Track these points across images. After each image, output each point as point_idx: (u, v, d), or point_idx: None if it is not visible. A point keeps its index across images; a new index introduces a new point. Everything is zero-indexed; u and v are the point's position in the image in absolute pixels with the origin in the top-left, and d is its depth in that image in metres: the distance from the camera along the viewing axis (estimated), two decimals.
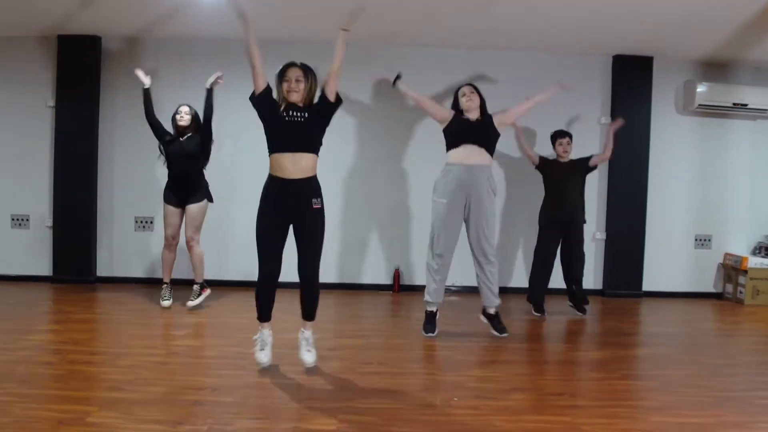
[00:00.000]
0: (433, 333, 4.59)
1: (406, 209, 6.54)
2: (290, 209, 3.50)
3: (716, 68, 6.68)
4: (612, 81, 6.64)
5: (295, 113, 3.49)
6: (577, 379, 3.73)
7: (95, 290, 6.11)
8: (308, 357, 3.68)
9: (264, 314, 3.71)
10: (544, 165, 5.68)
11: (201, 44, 6.46)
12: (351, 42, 6.37)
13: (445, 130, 4.62)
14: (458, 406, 3.16)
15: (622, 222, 6.61)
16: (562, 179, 5.56)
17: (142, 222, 6.51)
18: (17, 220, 6.54)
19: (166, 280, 5.42)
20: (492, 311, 4.68)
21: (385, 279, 6.58)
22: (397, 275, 6.51)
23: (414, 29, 6.01)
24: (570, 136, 5.62)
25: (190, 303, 5.29)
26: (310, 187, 3.53)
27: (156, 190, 5.99)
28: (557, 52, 6.54)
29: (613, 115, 6.55)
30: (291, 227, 3.58)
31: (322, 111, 3.60)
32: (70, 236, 6.43)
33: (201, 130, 5.27)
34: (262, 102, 3.56)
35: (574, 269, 5.60)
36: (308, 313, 3.72)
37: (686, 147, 6.76)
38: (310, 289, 3.64)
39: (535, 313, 5.50)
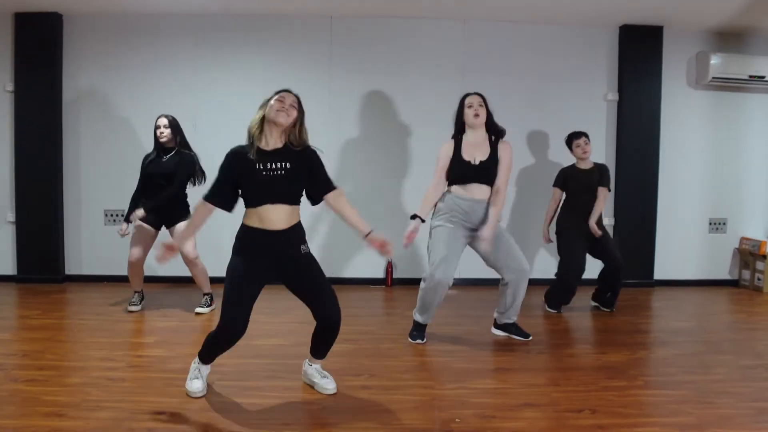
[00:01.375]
0: (422, 340, 4.14)
1: (399, 200, 6.07)
2: (275, 259, 2.94)
3: (731, 38, 6.25)
4: (619, 54, 6.20)
5: (273, 165, 2.88)
6: (596, 389, 3.24)
7: (63, 291, 5.63)
8: (328, 384, 3.14)
9: (210, 359, 3.10)
10: (565, 181, 5.13)
11: (170, 20, 5.96)
12: (344, 18, 6.01)
13: (449, 166, 4.09)
14: (460, 429, 2.69)
15: (631, 205, 6.17)
16: (584, 192, 5.00)
17: (112, 215, 6.02)
18: None
19: (137, 289, 4.95)
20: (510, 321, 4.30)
21: (378, 273, 6.12)
22: (389, 269, 6.05)
23: (410, 1, 5.56)
24: (586, 135, 5.04)
25: (199, 309, 4.85)
26: (296, 236, 2.96)
27: (127, 181, 5.53)
28: (560, 23, 6.09)
29: (621, 91, 6.11)
30: (276, 280, 2.99)
31: (308, 173, 3.02)
32: (34, 232, 5.97)
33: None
34: (233, 176, 2.95)
35: (613, 281, 5.07)
36: (322, 352, 3.17)
37: (699, 123, 6.33)
38: (332, 330, 3.00)
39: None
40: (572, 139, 5.08)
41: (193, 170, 4.75)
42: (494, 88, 5.94)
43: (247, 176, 2.88)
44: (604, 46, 6.18)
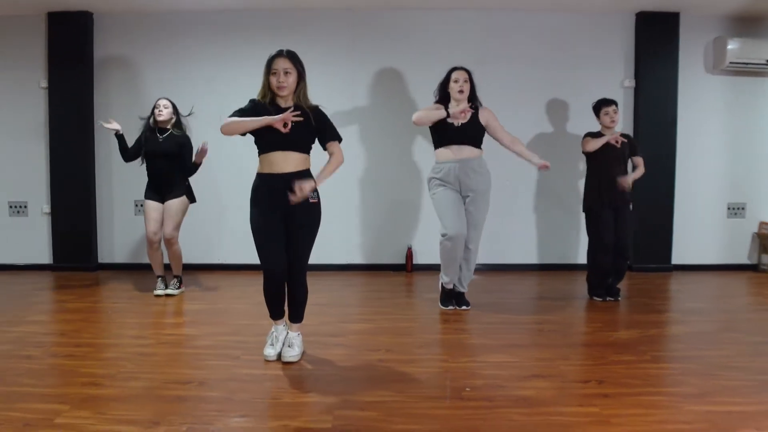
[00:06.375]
0: (451, 306, 4.55)
1: (418, 187, 6.19)
2: (283, 204, 3.16)
3: (748, 23, 6.22)
4: (635, 40, 6.22)
5: None
6: (604, 363, 3.35)
7: (96, 278, 5.87)
8: (288, 352, 3.33)
9: (274, 312, 3.41)
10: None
11: (196, 18, 6.15)
12: (361, 9, 6.13)
13: (431, 129, 4.50)
14: (470, 397, 2.83)
15: (649, 191, 6.11)
16: (610, 158, 4.81)
17: (142, 206, 6.22)
18: (15, 207, 6.31)
19: (159, 273, 5.16)
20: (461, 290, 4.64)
21: (398, 258, 6.26)
22: (409, 254, 6.19)
23: None
24: (616, 104, 4.92)
25: (170, 291, 5.06)
26: (304, 181, 3.16)
27: None
28: (577, 11, 6.13)
29: (637, 77, 6.14)
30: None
31: (316, 128, 3.30)
32: (69, 223, 6.22)
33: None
34: (253, 114, 3.24)
35: (619, 264, 4.87)
36: (294, 314, 3.40)
37: (717, 109, 6.32)
38: (295, 288, 3.33)
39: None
40: (601, 106, 4.90)
41: (191, 151, 5.10)
42: (512, 76, 6.10)
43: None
44: (621, 33, 6.21)
